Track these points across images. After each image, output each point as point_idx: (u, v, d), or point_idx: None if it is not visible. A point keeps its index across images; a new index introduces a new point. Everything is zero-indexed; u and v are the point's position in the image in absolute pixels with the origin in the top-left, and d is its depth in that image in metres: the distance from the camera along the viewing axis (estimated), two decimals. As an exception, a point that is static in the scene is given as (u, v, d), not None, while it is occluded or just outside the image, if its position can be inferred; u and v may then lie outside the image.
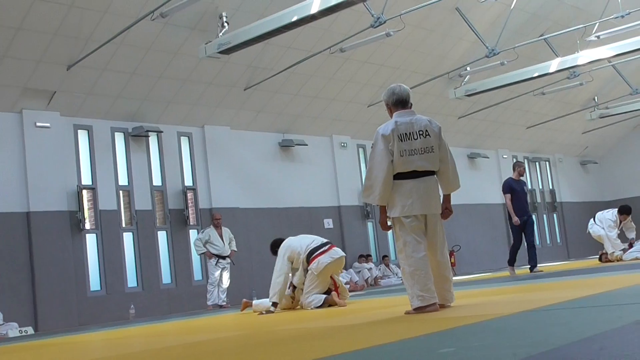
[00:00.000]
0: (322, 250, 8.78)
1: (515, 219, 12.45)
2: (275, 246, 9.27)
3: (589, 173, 27.62)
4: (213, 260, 13.92)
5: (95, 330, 10.13)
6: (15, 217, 12.85)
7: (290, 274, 8.91)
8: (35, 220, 12.96)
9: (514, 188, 12.72)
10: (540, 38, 17.72)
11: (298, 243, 8.97)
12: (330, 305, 8.47)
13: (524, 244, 12.73)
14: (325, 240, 9.09)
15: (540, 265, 13.20)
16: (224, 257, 14.00)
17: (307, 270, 8.78)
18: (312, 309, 8.49)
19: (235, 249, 14.26)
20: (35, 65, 12.51)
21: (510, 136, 23.50)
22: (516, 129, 23.31)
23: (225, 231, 14.14)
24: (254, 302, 9.70)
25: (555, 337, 3.34)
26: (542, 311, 4.81)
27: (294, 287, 9.02)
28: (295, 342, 4.71)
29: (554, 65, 16.79)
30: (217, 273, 13.89)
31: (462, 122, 21.13)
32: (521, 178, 13.01)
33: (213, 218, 14.28)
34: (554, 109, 22.99)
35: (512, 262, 12.94)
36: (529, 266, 12.83)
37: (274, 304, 8.66)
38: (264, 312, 8.74)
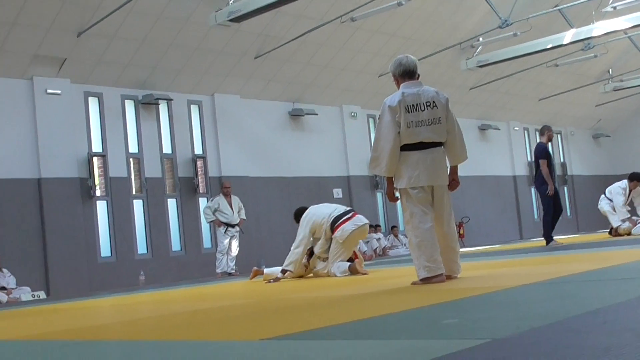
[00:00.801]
0: (345, 217, 8.70)
1: (552, 187, 11.68)
2: (298, 214, 9.16)
3: (601, 146, 27.48)
4: (222, 229, 13.98)
5: (106, 296, 10.22)
6: (26, 184, 12.93)
7: (309, 245, 8.86)
8: (46, 187, 13.03)
9: (549, 153, 12.04)
10: (554, 9, 17.54)
11: (321, 212, 8.87)
12: (352, 274, 8.45)
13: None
14: (348, 208, 9.07)
15: (542, 239, 12.91)
16: (232, 226, 14.05)
17: (332, 239, 8.71)
18: (338, 276, 8.45)
19: (244, 218, 14.28)
20: (45, 33, 12.49)
21: (522, 108, 23.37)
22: (528, 101, 23.17)
23: (235, 199, 14.17)
24: (265, 270, 9.70)
25: (559, 310, 3.35)
26: (548, 284, 4.82)
27: (310, 255, 8.94)
28: (301, 311, 4.74)
29: (568, 36, 16.64)
30: (226, 241, 13.95)
31: (474, 94, 21.01)
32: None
33: (222, 186, 14.31)
34: (567, 81, 22.82)
35: (550, 234, 12.05)
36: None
37: (284, 271, 8.67)
38: (271, 280, 8.77)
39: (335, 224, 8.66)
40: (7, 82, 12.84)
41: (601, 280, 4.84)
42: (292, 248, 8.78)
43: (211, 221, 14.18)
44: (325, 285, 7.26)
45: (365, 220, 8.93)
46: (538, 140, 12.38)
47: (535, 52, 17.44)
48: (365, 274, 8.39)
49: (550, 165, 11.86)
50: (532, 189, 24.08)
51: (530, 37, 17.02)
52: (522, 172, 23.78)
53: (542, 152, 11.92)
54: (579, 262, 7.00)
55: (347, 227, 8.59)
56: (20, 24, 12.09)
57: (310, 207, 9.12)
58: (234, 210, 14.05)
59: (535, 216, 24.11)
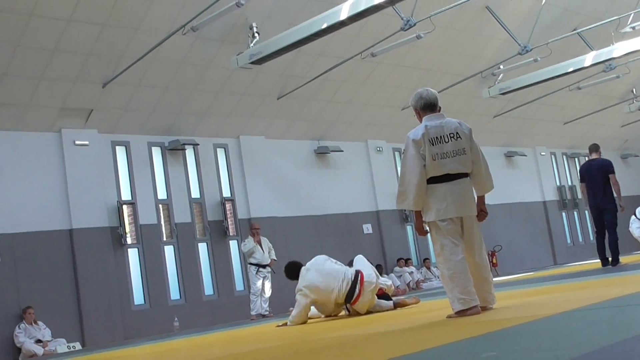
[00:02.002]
0: (358, 291, 8.11)
1: (623, 205, 11.24)
2: (292, 271, 8.49)
3: (630, 166, 27.19)
4: (253, 269, 13.90)
5: (141, 344, 10.24)
6: (58, 235, 13.06)
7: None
8: (78, 237, 13.16)
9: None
10: (573, 32, 17.53)
11: (325, 283, 8.15)
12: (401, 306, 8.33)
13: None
14: (351, 274, 8.19)
15: (578, 263, 12.64)
16: (264, 266, 13.98)
17: (348, 310, 8.35)
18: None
19: (275, 258, 14.14)
20: (71, 85, 12.72)
21: (547, 133, 23.26)
22: (553, 125, 23.06)
23: (264, 240, 14.12)
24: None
25: (597, 337, 3.30)
26: (584, 311, 4.75)
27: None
28: (337, 350, 4.71)
29: (588, 59, 16.59)
30: (259, 282, 13.86)
31: (497, 121, 20.96)
32: None
33: (252, 227, 14.31)
34: (591, 103, 22.70)
35: (606, 255, 11.56)
36: (612, 258, 11.63)
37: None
38: (280, 325, 8.57)
39: (349, 300, 8.16)
40: (36, 136, 13.06)
41: (638, 305, 4.76)
42: (292, 315, 8.33)
43: (250, 249, 13.82)
44: (361, 322, 7.21)
45: (373, 281, 8.22)
46: (589, 158, 12.02)
47: (556, 77, 17.40)
48: (415, 303, 8.37)
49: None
50: (564, 214, 23.86)
51: (551, 62, 17.00)
52: (552, 197, 23.57)
53: (612, 167, 11.46)
54: (613, 286, 6.89)
55: (364, 300, 8.15)
56: (47, 78, 12.32)
57: (309, 267, 8.37)
58: (264, 250, 14.00)
59: (569, 241, 23.85)
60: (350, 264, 8.78)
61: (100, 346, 11.73)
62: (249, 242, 13.93)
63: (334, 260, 8.57)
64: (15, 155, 12.83)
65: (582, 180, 11.80)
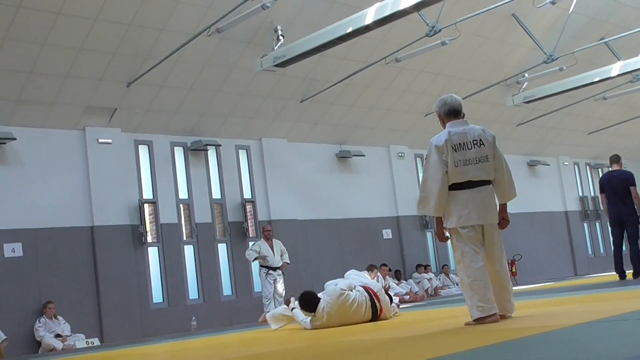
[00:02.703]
0: (379, 307, 8.18)
1: None
2: (310, 303, 8.20)
3: (655, 178, 26.90)
4: (263, 272, 13.83)
5: (158, 342, 10.28)
6: (80, 232, 13.15)
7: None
8: (99, 234, 13.24)
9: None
10: (600, 42, 17.39)
11: (344, 318, 8.03)
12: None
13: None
14: (364, 297, 8.14)
15: (599, 275, 12.52)
16: (274, 269, 13.90)
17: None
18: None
19: (288, 262, 13.92)
20: (96, 84, 12.81)
21: (571, 142, 23.09)
22: (577, 135, 22.90)
23: (276, 243, 13.98)
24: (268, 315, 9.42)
25: (617, 349, 3.27)
26: (604, 322, 4.71)
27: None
28: (353, 354, 4.70)
29: (615, 69, 16.44)
30: (270, 287, 13.76)
31: (521, 130, 20.85)
32: None
33: (263, 230, 14.27)
34: (617, 113, 22.51)
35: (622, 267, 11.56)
36: (634, 271, 11.63)
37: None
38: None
39: (376, 316, 8.17)
40: (60, 133, 13.16)
41: (661, 317, 4.71)
42: (282, 315, 8.74)
43: (255, 258, 13.94)
44: (378, 327, 7.20)
45: (380, 288, 8.55)
46: (610, 169, 11.89)
47: (582, 86, 17.24)
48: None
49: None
50: (585, 224, 23.68)
51: (577, 71, 16.88)
52: (574, 207, 23.41)
53: (632, 178, 11.30)
54: (634, 299, 6.82)
55: (386, 309, 8.35)
56: (72, 76, 12.42)
57: (327, 302, 8.09)
58: (275, 253, 13.89)
59: (590, 252, 23.67)
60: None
61: (118, 343, 11.80)
62: (259, 244, 13.78)
63: (344, 283, 8.43)
64: (39, 152, 12.94)
65: (602, 191, 11.71)
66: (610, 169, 11.93)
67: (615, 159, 11.79)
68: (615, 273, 11.85)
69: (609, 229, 11.99)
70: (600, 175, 23.72)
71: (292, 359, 4.96)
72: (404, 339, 5.44)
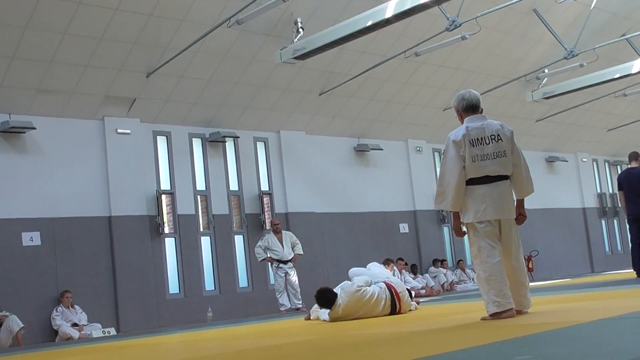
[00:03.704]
0: (398, 306, 8.19)
1: None
2: (327, 300, 8.11)
3: (674, 176, 26.67)
4: (274, 266, 13.87)
5: (174, 332, 10.34)
6: (98, 221, 13.23)
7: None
8: (117, 224, 13.31)
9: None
10: (622, 38, 17.25)
11: (362, 311, 8.08)
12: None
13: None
14: (385, 294, 8.14)
15: (616, 272, 12.42)
16: (285, 262, 13.94)
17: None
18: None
19: (301, 252, 13.97)
20: (116, 74, 12.86)
21: (590, 139, 22.95)
22: (596, 132, 22.74)
23: (286, 235, 13.97)
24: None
25: (632, 347, 3.26)
26: (621, 319, 4.69)
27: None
28: (368, 348, 4.71)
29: (636, 65, 16.30)
30: (281, 280, 13.78)
31: (540, 126, 20.74)
32: None
33: (272, 223, 14.28)
34: (637, 110, 22.34)
35: None
36: None
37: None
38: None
39: (394, 312, 8.19)
40: (79, 123, 13.23)
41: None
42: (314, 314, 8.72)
43: (263, 259, 13.98)
44: (393, 321, 7.20)
45: (404, 288, 8.56)
46: (629, 166, 11.80)
47: (602, 82, 17.10)
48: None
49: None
50: (603, 221, 23.54)
51: (597, 68, 16.74)
52: (592, 204, 23.27)
53: None
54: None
55: (405, 306, 8.37)
56: (92, 66, 12.48)
57: (343, 299, 8.07)
58: (284, 246, 13.88)
59: (607, 249, 23.54)
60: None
61: (134, 333, 11.88)
62: (267, 238, 13.86)
63: (361, 279, 8.37)
64: (58, 142, 13.01)
65: (619, 188, 11.63)
66: (629, 166, 11.85)
67: (634, 156, 11.69)
68: (632, 270, 11.77)
69: (627, 226, 11.93)
70: (619, 172, 23.71)
71: (308, 351, 4.98)
72: (419, 333, 5.44)
